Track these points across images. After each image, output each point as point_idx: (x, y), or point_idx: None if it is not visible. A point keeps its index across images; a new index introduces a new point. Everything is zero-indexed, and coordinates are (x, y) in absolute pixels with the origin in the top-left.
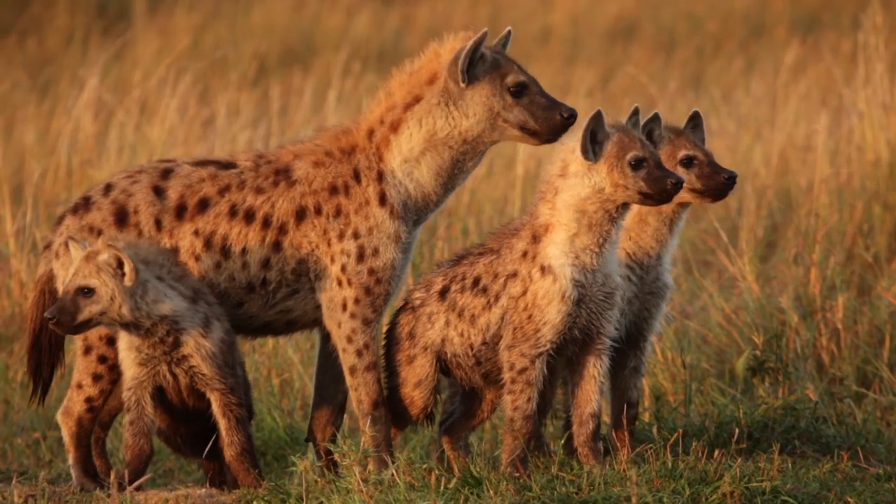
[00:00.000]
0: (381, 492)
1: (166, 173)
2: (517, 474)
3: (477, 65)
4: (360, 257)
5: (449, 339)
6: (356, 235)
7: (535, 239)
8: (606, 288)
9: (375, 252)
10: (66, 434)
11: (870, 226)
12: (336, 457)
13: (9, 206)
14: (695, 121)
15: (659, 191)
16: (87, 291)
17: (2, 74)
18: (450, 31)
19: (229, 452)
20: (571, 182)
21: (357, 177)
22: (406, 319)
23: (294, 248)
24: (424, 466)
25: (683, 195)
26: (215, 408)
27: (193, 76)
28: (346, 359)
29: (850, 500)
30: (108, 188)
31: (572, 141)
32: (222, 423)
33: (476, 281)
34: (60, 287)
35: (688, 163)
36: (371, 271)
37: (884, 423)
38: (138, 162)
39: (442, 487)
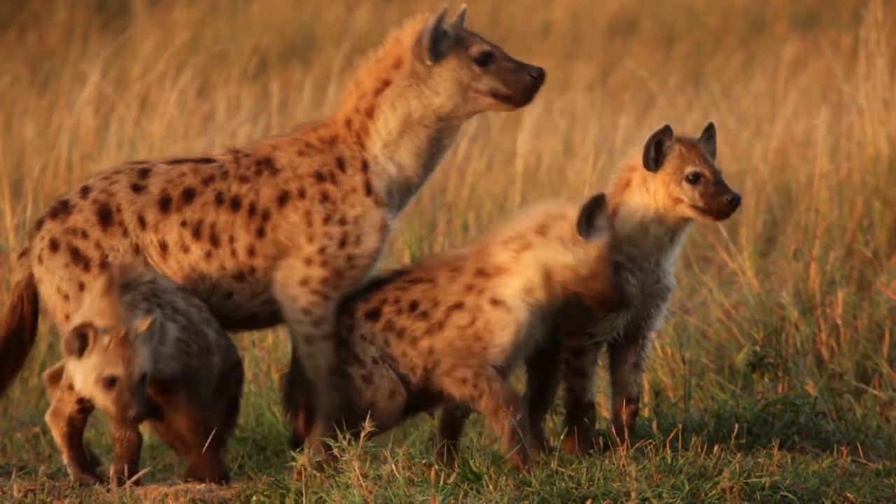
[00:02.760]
0: (381, 487)
1: (144, 172)
2: (520, 467)
3: (440, 42)
4: (343, 243)
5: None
6: (342, 222)
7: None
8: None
9: (358, 240)
10: (58, 435)
11: (870, 221)
12: (335, 452)
13: (9, 201)
14: (709, 132)
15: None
16: (144, 378)
17: (2, 68)
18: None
19: (182, 425)
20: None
21: (342, 166)
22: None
23: (274, 232)
24: (424, 461)
25: (686, 211)
26: (181, 399)
27: (193, 71)
28: (302, 329)
29: (849, 495)
30: (85, 190)
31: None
32: (181, 401)
33: None
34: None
35: (694, 179)
36: (349, 257)
37: (883, 418)
38: (139, 157)
39: (441, 482)
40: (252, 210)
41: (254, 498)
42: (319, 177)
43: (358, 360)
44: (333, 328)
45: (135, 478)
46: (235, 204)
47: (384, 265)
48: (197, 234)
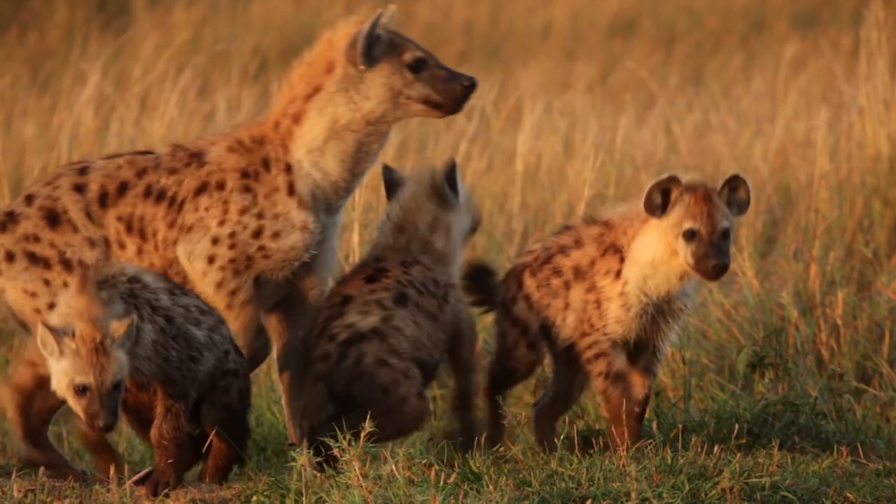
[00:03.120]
0: (381, 487)
1: (83, 171)
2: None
3: (374, 46)
4: (257, 234)
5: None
6: (260, 216)
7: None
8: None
9: (276, 235)
10: (13, 407)
11: (870, 221)
12: (335, 452)
13: (9, 201)
14: (731, 184)
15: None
16: (118, 386)
17: (2, 69)
18: (449, 28)
19: (154, 434)
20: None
21: (267, 165)
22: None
23: (182, 218)
24: (424, 461)
25: (682, 265)
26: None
27: (194, 71)
28: (219, 299)
29: (849, 495)
30: (29, 199)
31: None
32: (158, 411)
33: None
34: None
35: (689, 236)
36: (262, 248)
37: (883, 418)
38: None
39: (441, 483)
40: (172, 202)
41: (254, 498)
42: (244, 174)
43: (397, 354)
44: (252, 295)
45: (135, 478)
46: (161, 196)
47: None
48: (129, 228)
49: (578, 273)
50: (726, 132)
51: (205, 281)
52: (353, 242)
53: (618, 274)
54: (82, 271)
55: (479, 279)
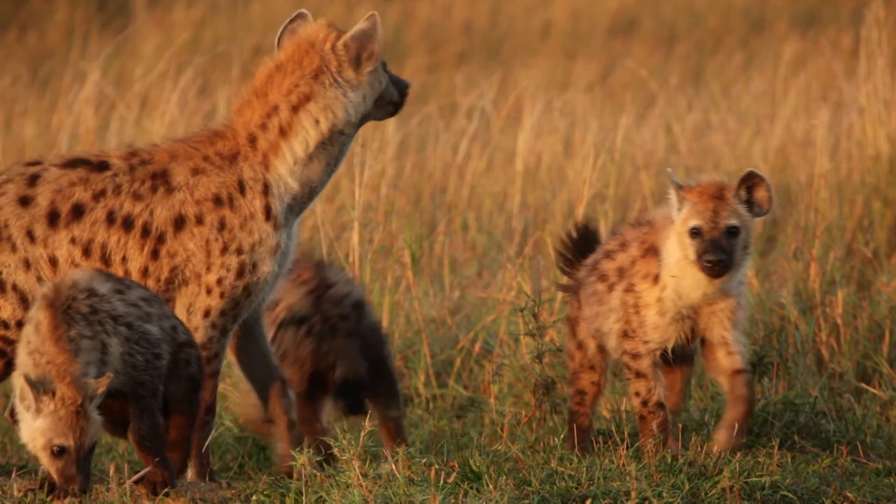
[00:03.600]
0: (381, 486)
1: (33, 179)
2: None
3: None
4: (240, 273)
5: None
6: (239, 251)
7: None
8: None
9: (254, 267)
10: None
11: (870, 221)
12: (335, 451)
13: None
14: (747, 182)
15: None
16: (93, 447)
17: (2, 68)
18: (449, 28)
19: (131, 437)
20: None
21: (242, 189)
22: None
23: (170, 257)
24: (424, 461)
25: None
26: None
27: (194, 70)
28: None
29: (849, 495)
30: None
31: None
32: (132, 413)
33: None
34: None
35: (694, 234)
36: (246, 287)
37: (883, 418)
38: None
39: (441, 482)
40: (145, 230)
41: (254, 497)
42: (217, 201)
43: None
44: (221, 367)
45: (135, 477)
46: (128, 224)
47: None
48: (87, 252)
49: (621, 274)
50: (726, 132)
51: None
52: (353, 242)
53: (656, 278)
54: (48, 305)
55: (584, 244)
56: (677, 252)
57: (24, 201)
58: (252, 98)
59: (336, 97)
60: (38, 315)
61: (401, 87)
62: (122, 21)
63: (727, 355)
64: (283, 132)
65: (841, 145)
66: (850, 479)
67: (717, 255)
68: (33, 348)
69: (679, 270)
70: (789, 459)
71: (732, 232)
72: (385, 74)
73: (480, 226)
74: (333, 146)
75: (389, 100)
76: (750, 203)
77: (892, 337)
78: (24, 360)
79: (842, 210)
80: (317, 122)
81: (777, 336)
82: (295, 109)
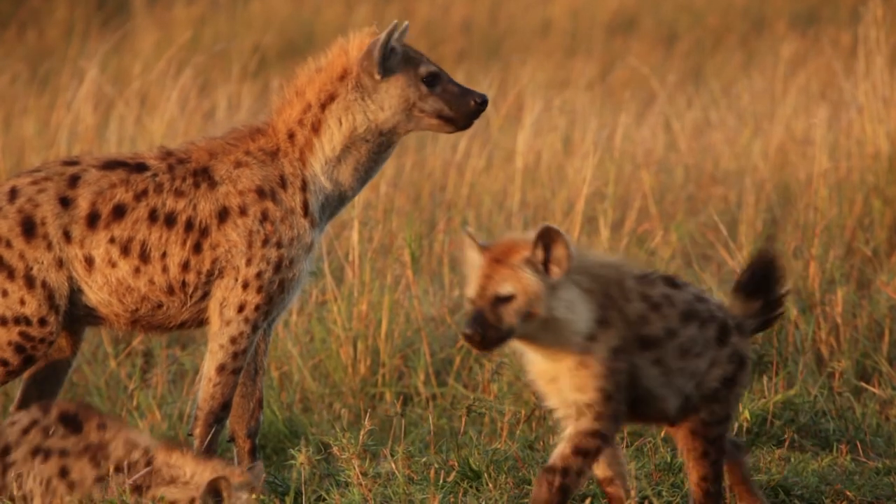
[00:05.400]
0: (380, 485)
1: (74, 180)
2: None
3: (389, 58)
4: (278, 267)
5: None
6: (279, 245)
7: None
8: None
9: (291, 263)
10: None
11: (869, 219)
12: (335, 450)
13: None
14: (545, 239)
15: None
16: None
17: (1, 66)
18: (448, 26)
19: None
20: None
21: (283, 183)
22: None
23: (212, 249)
24: (423, 460)
25: None
26: None
27: (194, 69)
28: (220, 355)
29: (849, 493)
30: (13, 194)
31: None
32: None
33: None
34: None
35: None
36: (281, 282)
37: (883, 417)
38: None
39: (441, 481)
40: (189, 225)
41: (254, 496)
42: (261, 193)
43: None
44: (244, 365)
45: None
46: (170, 220)
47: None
48: (126, 251)
49: None
50: (726, 130)
51: (222, 332)
52: (352, 241)
53: None
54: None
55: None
56: None
57: (65, 202)
58: (293, 97)
59: (355, 100)
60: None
61: (460, 102)
62: (121, 19)
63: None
64: (315, 129)
65: (840, 144)
66: (849, 478)
67: (469, 328)
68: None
69: None
70: (789, 458)
71: (502, 300)
72: (422, 85)
73: (480, 224)
74: (358, 151)
75: (435, 112)
76: (547, 264)
77: (891, 336)
78: None
79: (841, 208)
80: (339, 122)
81: (776, 335)
82: (323, 108)
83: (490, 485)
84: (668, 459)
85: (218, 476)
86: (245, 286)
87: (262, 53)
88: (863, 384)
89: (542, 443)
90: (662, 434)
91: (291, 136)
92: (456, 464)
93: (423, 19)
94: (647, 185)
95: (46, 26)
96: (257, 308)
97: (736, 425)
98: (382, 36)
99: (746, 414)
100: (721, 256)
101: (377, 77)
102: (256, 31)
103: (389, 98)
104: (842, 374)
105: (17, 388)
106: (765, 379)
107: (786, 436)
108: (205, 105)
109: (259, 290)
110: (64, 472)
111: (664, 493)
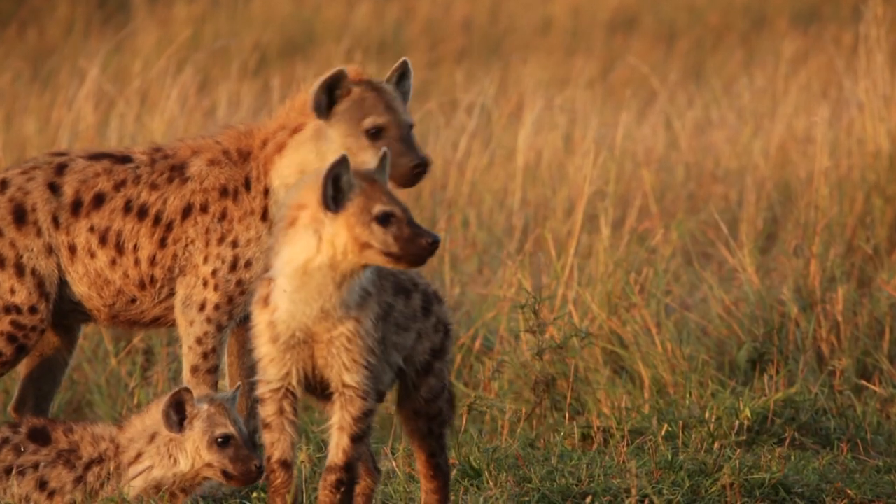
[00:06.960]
0: (381, 483)
1: (61, 168)
2: None
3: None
4: (233, 266)
5: None
6: (235, 244)
7: None
8: None
9: (248, 264)
10: None
11: (870, 218)
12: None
13: None
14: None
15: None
16: None
17: (2, 65)
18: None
19: None
20: None
21: (248, 185)
22: None
23: (174, 244)
24: None
25: None
26: None
27: (194, 67)
28: (191, 357)
29: (849, 491)
30: (3, 184)
31: None
32: None
33: None
34: None
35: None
36: (239, 282)
37: (883, 415)
38: None
39: None
40: (157, 219)
41: (254, 494)
42: (224, 192)
43: None
44: (219, 363)
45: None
46: (142, 213)
47: None
48: (103, 240)
49: None
50: (727, 128)
51: (188, 333)
52: None
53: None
54: None
55: None
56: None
57: (54, 187)
58: (285, 109)
59: (310, 138)
60: None
61: (401, 161)
62: (122, 18)
63: (338, 430)
64: (279, 147)
65: (841, 142)
66: (850, 476)
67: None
68: None
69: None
70: (790, 456)
71: None
72: (362, 137)
73: (481, 222)
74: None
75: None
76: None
77: (892, 334)
78: None
79: (842, 207)
80: (296, 150)
81: (777, 333)
82: (292, 132)
83: (490, 483)
84: (669, 457)
85: (181, 388)
86: (204, 284)
87: (263, 51)
88: (863, 382)
89: (542, 441)
90: (663, 432)
91: (264, 143)
92: (456, 462)
93: (423, 18)
94: (647, 184)
95: (47, 25)
96: (217, 307)
97: (737, 423)
98: (322, 78)
99: (747, 412)
100: (722, 255)
101: (322, 119)
102: (257, 30)
103: (339, 138)
104: (842, 372)
105: (15, 385)
106: (765, 377)
107: (786, 434)
108: (205, 103)
109: (216, 288)
110: (42, 485)
111: (665, 491)
